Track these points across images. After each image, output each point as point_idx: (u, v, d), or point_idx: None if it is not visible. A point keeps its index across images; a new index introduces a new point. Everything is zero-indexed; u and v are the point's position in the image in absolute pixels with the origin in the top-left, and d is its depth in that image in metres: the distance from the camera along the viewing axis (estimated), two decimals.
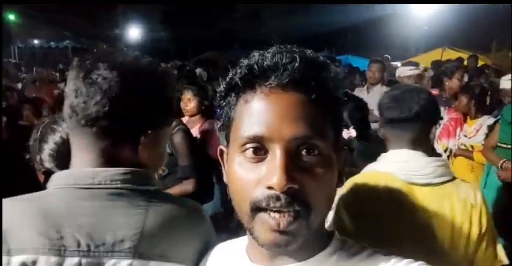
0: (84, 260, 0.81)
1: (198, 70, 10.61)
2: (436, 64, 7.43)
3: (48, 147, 1.15)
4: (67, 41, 19.88)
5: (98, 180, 0.86)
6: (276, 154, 0.60)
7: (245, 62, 0.65)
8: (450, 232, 1.40)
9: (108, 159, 0.89)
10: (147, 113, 0.91)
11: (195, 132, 3.30)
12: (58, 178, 0.90)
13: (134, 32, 22.69)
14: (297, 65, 0.62)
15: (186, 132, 2.71)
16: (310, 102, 0.62)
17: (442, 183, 1.45)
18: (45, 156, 1.14)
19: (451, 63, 6.38)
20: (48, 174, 1.06)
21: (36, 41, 21.87)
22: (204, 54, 17.66)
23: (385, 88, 4.02)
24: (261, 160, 0.62)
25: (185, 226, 0.88)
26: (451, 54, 9.71)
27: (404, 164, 1.46)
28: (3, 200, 0.86)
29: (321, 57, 0.67)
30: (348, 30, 21.24)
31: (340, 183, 0.69)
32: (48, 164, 1.13)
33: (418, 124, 1.49)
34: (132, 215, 0.85)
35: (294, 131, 0.60)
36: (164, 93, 0.95)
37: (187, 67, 11.30)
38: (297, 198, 0.60)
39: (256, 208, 0.61)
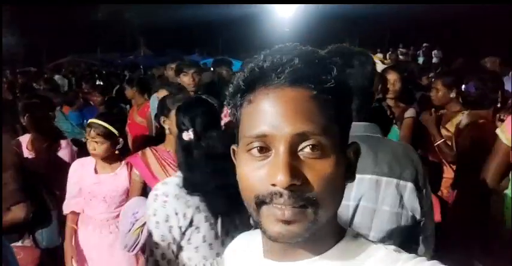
0: None
1: (57, 77, 9.59)
2: None
3: None
4: None
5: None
6: (279, 152, 0.62)
7: (249, 64, 0.66)
8: None
9: None
10: None
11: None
12: None
13: None
14: (296, 62, 0.63)
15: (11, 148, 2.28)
16: (312, 98, 0.63)
17: None
18: None
19: None
20: None
21: None
22: (63, 59, 16.21)
23: None
24: (266, 157, 0.63)
25: (404, 154, 1.38)
26: None
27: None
28: None
29: (322, 53, 0.66)
30: (216, 31, 21.53)
31: (352, 177, 0.70)
32: None
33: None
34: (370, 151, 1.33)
35: (295, 128, 0.61)
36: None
37: (45, 75, 10.20)
38: (300, 194, 0.61)
39: (261, 202, 0.63)
